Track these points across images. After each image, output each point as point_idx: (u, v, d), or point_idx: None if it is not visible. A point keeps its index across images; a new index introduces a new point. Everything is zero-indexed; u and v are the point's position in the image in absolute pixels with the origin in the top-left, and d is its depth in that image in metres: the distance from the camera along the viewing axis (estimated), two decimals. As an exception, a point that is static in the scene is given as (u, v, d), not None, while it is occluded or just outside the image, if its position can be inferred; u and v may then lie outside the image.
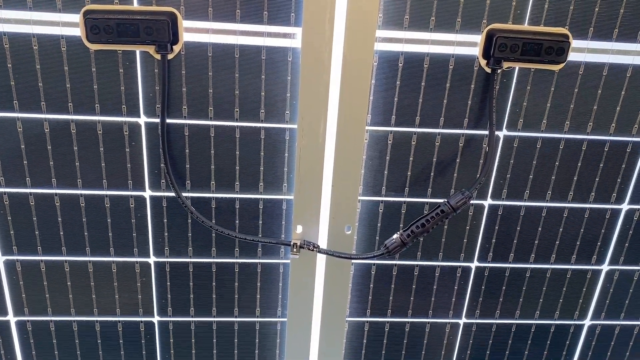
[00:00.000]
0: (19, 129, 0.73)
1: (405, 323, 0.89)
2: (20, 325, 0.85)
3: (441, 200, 0.75)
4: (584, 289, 0.89)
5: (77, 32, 0.68)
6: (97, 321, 0.85)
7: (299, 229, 0.80)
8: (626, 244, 0.86)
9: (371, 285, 0.86)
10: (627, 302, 0.90)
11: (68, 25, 0.68)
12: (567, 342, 0.93)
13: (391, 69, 0.73)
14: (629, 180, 0.81)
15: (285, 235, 0.82)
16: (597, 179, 0.81)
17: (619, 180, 0.81)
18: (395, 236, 0.74)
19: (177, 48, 0.70)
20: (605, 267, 0.88)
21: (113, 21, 0.66)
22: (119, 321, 0.86)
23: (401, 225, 0.82)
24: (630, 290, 0.90)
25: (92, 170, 0.76)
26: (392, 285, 0.86)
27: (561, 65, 0.73)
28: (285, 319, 0.87)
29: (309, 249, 0.77)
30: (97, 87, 0.71)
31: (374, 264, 0.85)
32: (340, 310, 0.86)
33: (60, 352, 0.86)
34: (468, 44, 0.72)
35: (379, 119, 0.75)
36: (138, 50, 0.70)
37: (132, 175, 0.76)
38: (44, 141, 0.73)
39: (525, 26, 0.71)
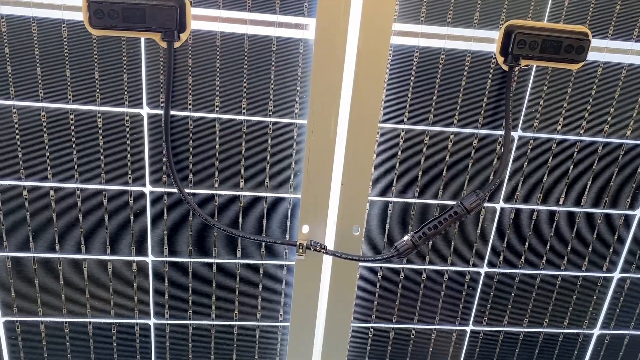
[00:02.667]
0: (14, 118, 0.69)
1: (411, 329, 0.86)
2: (9, 326, 0.80)
3: (452, 202, 0.72)
4: (595, 297, 0.87)
5: (80, 16, 0.65)
6: (90, 322, 0.81)
7: (306, 229, 0.76)
8: (639, 251, 0.84)
9: (377, 290, 0.83)
10: (637, 311, 0.88)
11: (70, 9, 0.65)
12: (576, 352, 0.90)
13: (406, 64, 0.70)
14: (643, 185, 0.79)
15: (290, 236, 0.78)
16: (611, 184, 0.79)
17: (633, 185, 0.79)
18: (406, 238, 0.71)
19: (184, 36, 0.67)
20: (616, 275, 0.85)
21: (118, 6, 0.63)
22: (113, 323, 0.82)
23: (410, 228, 0.79)
24: (641, 299, 0.87)
25: (90, 163, 0.72)
26: (399, 290, 0.83)
27: (580, 65, 0.71)
28: (287, 324, 0.84)
29: (316, 250, 0.74)
30: (98, 75, 0.68)
31: (380, 268, 0.82)
32: (345, 316, 0.83)
33: (50, 355, 0.82)
34: (485, 40, 0.70)
35: (391, 116, 0.73)
36: (143, 37, 0.66)
37: (132, 170, 0.73)
38: (41, 131, 0.70)
39: (545, 23, 0.69)
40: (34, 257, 0.77)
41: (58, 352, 0.82)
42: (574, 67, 0.72)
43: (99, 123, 0.70)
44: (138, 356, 0.84)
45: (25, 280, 0.78)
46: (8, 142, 0.70)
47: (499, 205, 0.79)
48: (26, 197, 0.73)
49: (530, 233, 0.81)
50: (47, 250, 0.76)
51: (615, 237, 0.82)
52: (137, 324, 0.82)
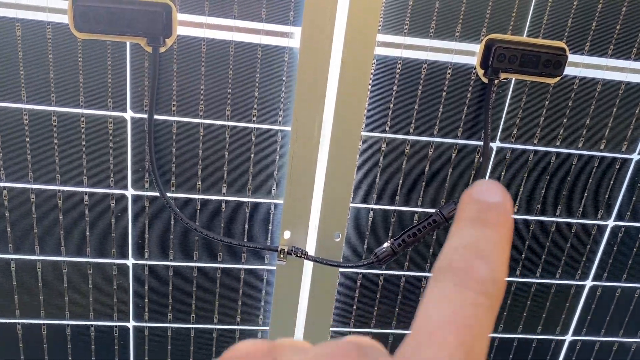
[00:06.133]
0: (-5, 119, 0.69)
1: (389, 334, 0.88)
2: (-15, 328, 0.80)
3: (432, 210, 0.73)
4: (567, 305, 0.89)
5: (65, 19, 0.65)
6: (68, 325, 0.81)
7: (287, 234, 0.77)
8: (610, 260, 0.86)
9: (356, 295, 0.84)
10: (607, 318, 0.91)
11: (55, 11, 0.64)
12: (548, 358, 0.93)
13: (389, 74, 0.71)
14: (616, 196, 0.82)
15: (271, 241, 0.79)
16: (585, 194, 0.81)
17: (606, 196, 0.82)
18: (385, 245, 0.72)
19: (169, 42, 0.67)
20: (588, 283, 0.88)
21: (104, 9, 0.63)
22: (92, 325, 0.82)
23: (390, 235, 0.81)
24: (612, 307, 0.90)
25: (72, 166, 0.72)
26: (378, 296, 0.85)
27: (557, 79, 0.73)
28: (266, 328, 0.85)
29: (297, 256, 0.75)
30: (82, 78, 0.68)
31: (360, 273, 0.83)
32: (325, 320, 0.84)
33: (27, 357, 0.82)
34: (466, 53, 0.71)
35: (373, 125, 0.74)
36: (128, 41, 0.67)
37: (115, 173, 0.73)
38: (22, 133, 0.69)
39: (524, 38, 0.71)
40: (12, 259, 0.76)
41: (35, 354, 0.82)
42: (552, 81, 0.74)
43: (82, 126, 0.70)
44: (116, 359, 0.84)
45: (3, 282, 0.77)
46: (-11, 143, 0.70)
47: (477, 214, 0.81)
48: (6, 198, 0.72)
49: (506, 241, 0.83)
50: (27, 252, 0.76)
51: (588, 247, 0.85)
52: (116, 326, 0.82)
